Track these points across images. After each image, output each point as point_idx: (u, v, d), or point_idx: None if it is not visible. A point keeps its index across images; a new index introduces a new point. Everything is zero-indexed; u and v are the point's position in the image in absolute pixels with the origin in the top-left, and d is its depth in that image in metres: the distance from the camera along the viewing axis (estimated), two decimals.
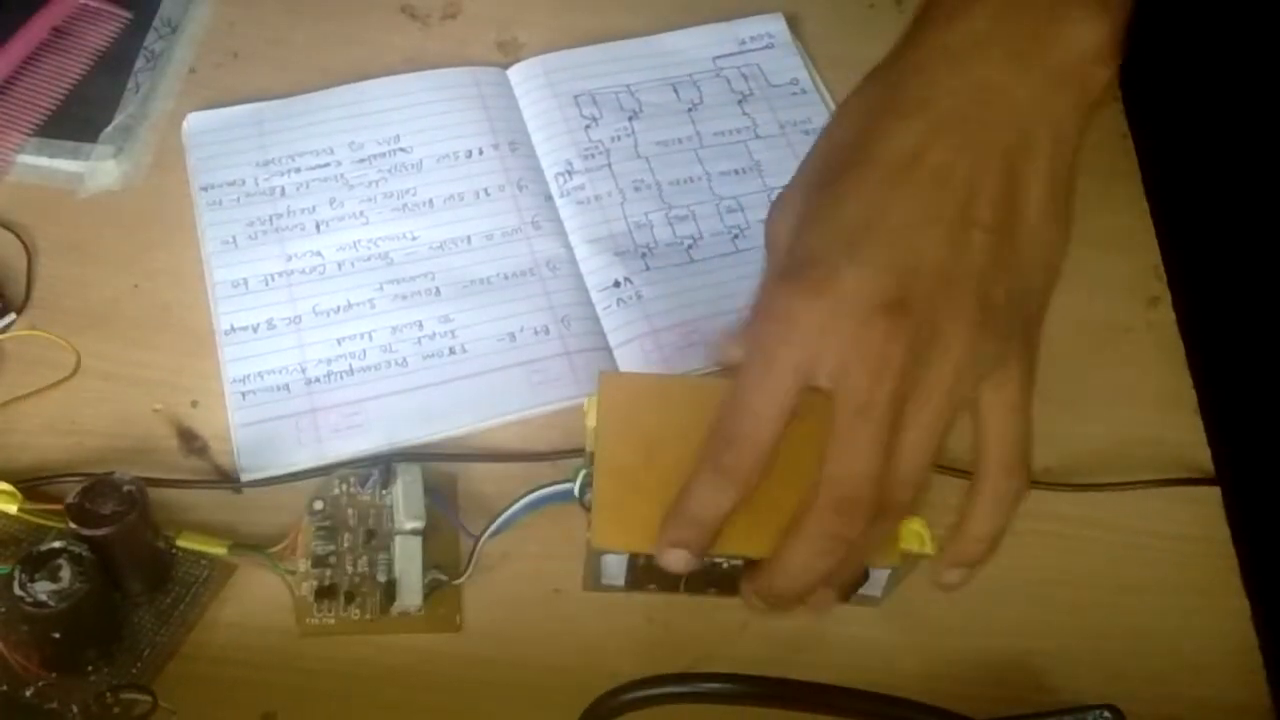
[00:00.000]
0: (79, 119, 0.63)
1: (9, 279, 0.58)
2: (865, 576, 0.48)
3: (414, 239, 0.60)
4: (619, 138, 0.65)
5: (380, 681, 0.49)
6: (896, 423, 0.43)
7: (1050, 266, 0.45)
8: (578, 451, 0.51)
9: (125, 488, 0.47)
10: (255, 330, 0.57)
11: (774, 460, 0.44)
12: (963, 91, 0.45)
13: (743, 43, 0.69)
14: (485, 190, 0.62)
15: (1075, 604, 0.52)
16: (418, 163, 0.63)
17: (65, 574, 0.45)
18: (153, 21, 0.67)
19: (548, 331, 0.58)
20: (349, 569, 0.50)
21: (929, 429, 0.43)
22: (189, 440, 0.54)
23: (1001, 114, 0.44)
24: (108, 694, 0.46)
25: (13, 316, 0.57)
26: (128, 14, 0.67)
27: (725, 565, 0.47)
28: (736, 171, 0.64)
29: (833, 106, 0.66)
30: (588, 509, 0.48)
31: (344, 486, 0.52)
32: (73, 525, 0.46)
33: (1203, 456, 0.56)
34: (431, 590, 0.49)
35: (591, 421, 0.48)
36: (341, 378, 0.56)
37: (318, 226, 0.61)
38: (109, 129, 0.63)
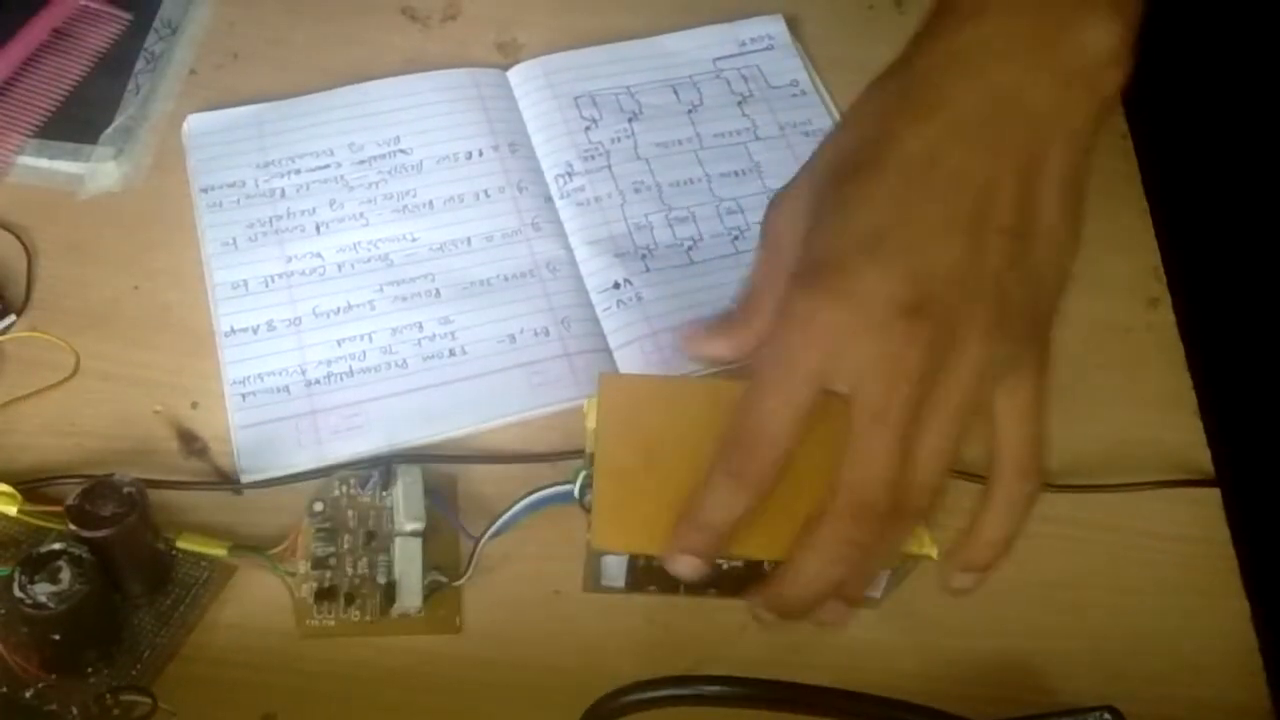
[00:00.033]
0: (79, 120, 0.63)
1: (9, 280, 0.58)
2: None
3: (414, 240, 0.60)
4: (619, 139, 0.65)
5: (380, 683, 0.49)
6: (914, 428, 0.42)
7: (1063, 269, 0.45)
8: (578, 453, 0.51)
9: (125, 489, 0.47)
10: (255, 332, 0.57)
11: (789, 465, 0.44)
12: (977, 96, 0.44)
13: (743, 44, 0.69)
14: (485, 192, 0.62)
15: (1075, 605, 0.52)
16: (418, 164, 0.63)
17: (65, 576, 0.45)
18: (153, 23, 0.67)
19: (548, 333, 0.58)
20: (349, 570, 0.50)
21: (946, 434, 0.43)
22: (189, 441, 0.54)
23: (1016, 118, 0.44)
24: (107, 696, 0.45)
25: (13, 318, 0.57)
26: (128, 15, 0.67)
27: (725, 566, 0.47)
28: (736, 173, 0.64)
29: (833, 108, 0.66)
30: (588, 510, 0.48)
31: (344, 488, 0.52)
32: (72, 527, 0.46)
33: (1203, 457, 0.56)
34: (431, 592, 0.49)
35: (591, 423, 0.48)
36: (341, 379, 0.56)
37: (318, 228, 0.61)
38: (109, 130, 0.63)
